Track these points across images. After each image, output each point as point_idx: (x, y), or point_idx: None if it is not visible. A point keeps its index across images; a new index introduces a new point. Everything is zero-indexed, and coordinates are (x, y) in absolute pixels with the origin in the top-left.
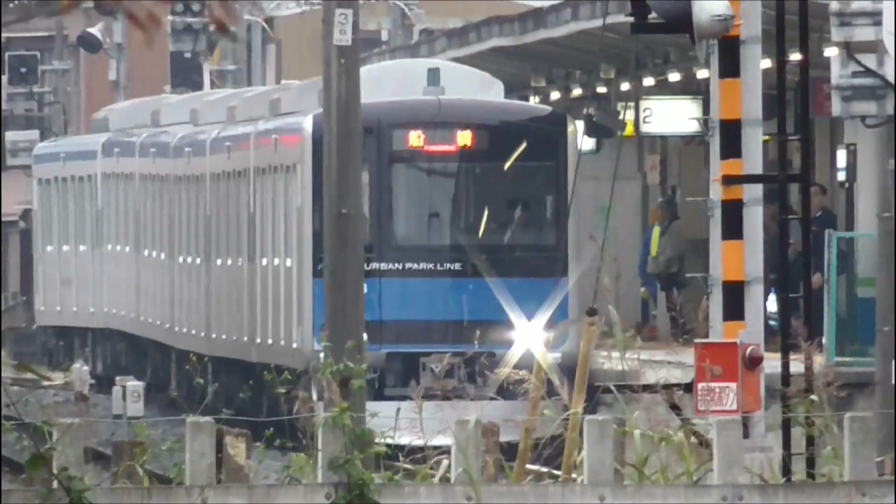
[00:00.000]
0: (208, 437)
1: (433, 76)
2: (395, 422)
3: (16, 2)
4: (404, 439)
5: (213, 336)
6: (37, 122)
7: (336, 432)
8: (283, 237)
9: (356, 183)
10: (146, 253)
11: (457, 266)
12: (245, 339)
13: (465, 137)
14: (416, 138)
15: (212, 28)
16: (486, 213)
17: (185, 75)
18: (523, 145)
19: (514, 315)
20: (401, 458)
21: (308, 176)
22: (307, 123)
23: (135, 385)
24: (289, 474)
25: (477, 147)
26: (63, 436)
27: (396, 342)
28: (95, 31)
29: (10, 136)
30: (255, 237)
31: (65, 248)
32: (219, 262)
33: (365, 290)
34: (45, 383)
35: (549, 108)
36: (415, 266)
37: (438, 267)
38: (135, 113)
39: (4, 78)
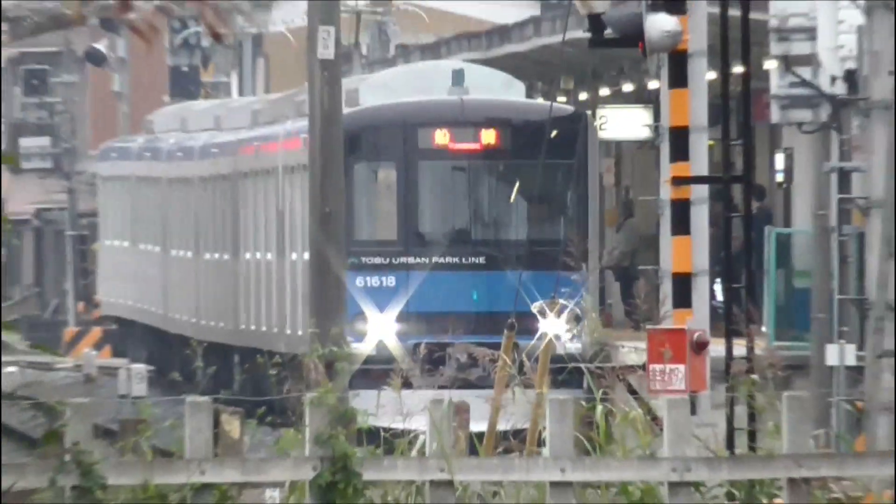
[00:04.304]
0: (206, 415)
1: (458, 77)
2: (376, 402)
3: (27, 21)
4: (385, 420)
5: (242, 327)
6: (48, 130)
7: (322, 410)
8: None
9: (338, 184)
10: (174, 252)
11: (481, 259)
12: (275, 330)
13: (488, 136)
14: (441, 136)
15: (202, 30)
16: (509, 208)
17: (183, 87)
18: (521, 177)
19: (538, 307)
20: (382, 435)
21: None
22: None
23: (138, 368)
24: (279, 448)
25: (500, 145)
26: (74, 414)
27: (423, 333)
28: (101, 46)
29: (23, 142)
30: (284, 233)
31: (115, 243)
32: (248, 256)
33: (393, 284)
34: (58, 366)
35: (570, 108)
36: (441, 260)
37: (464, 260)
38: (171, 117)
39: (17, 89)
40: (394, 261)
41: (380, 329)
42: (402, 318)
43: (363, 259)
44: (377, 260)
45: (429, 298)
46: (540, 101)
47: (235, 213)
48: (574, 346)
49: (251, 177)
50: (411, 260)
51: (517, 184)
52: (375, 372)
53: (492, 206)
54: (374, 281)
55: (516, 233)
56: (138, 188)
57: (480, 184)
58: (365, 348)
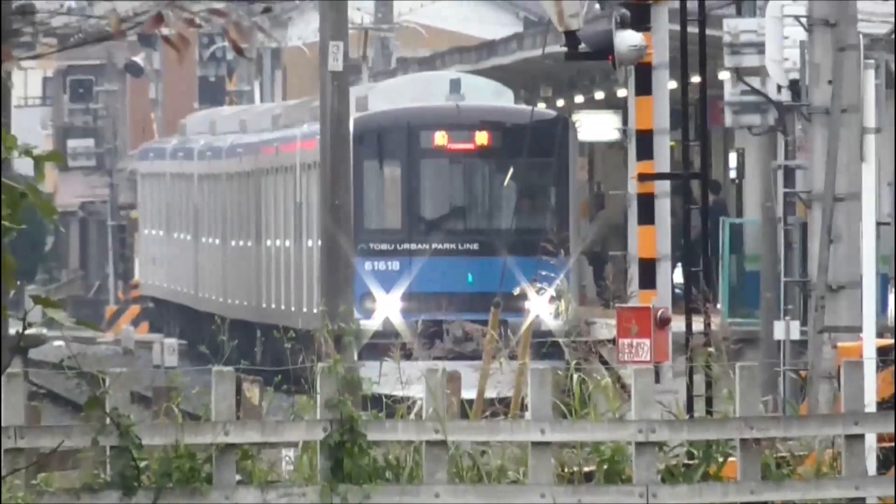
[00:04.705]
0: (230, 383)
1: (454, 85)
2: (378, 373)
3: (74, 37)
4: (387, 388)
5: (263, 306)
6: (92, 132)
7: (331, 379)
8: None
9: (346, 179)
10: (204, 239)
11: (475, 246)
12: (292, 308)
13: (481, 137)
14: (440, 137)
15: (227, 45)
16: (500, 200)
17: (210, 95)
18: (510, 173)
19: (524, 288)
20: (384, 400)
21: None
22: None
23: (171, 342)
24: (294, 412)
25: (491, 145)
26: (114, 382)
27: (423, 311)
28: (139, 59)
29: (70, 143)
30: (301, 223)
31: (153, 232)
32: (268, 243)
33: (398, 267)
34: (100, 340)
35: (553, 112)
36: (439, 246)
37: (459, 247)
38: (201, 121)
39: (65, 97)
40: (398, 247)
41: (386, 307)
42: (405, 297)
43: (371, 245)
44: (383, 246)
45: (429, 280)
46: (525, 106)
47: (258, 206)
48: (553, 323)
49: (272, 173)
50: (413, 246)
51: (507, 179)
52: (382, 345)
53: (484, 199)
54: (380, 265)
55: (506, 222)
56: (172, 184)
57: (474, 179)
58: (372, 324)
